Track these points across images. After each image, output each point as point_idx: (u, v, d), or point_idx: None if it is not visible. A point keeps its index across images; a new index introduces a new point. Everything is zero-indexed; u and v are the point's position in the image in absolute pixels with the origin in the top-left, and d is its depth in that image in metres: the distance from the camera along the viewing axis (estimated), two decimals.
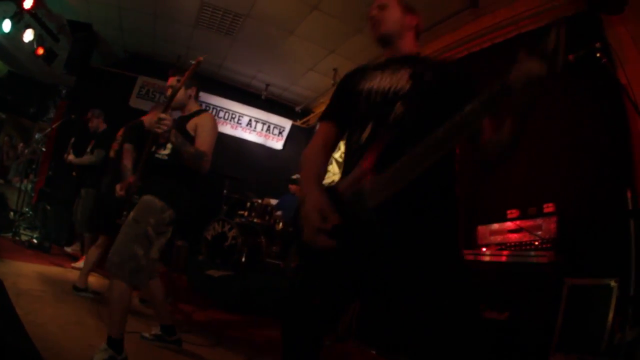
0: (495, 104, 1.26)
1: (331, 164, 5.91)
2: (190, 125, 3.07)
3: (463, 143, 1.51)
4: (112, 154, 5.12)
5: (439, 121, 1.35)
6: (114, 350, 2.51)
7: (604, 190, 3.50)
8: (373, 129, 1.63)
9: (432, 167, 1.36)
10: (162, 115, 2.63)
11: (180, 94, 3.09)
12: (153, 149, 3.04)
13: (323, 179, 1.77)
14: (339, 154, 7.37)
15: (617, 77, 2.57)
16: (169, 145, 3.00)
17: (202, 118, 3.13)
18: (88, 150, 6.18)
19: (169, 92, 3.13)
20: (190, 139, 2.97)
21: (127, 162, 4.07)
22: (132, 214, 2.82)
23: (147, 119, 4.52)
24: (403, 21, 1.84)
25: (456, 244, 1.64)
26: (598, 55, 2.36)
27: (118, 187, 3.53)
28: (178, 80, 3.08)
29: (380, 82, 1.73)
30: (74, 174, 6.35)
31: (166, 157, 3.02)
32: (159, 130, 2.61)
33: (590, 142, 3.73)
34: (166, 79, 3.30)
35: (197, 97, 3.33)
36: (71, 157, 6.18)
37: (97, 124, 6.35)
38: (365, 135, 1.65)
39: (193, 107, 3.25)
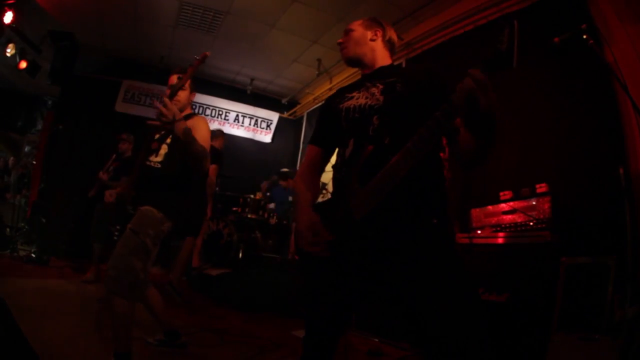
0: (445, 124, 1.41)
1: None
2: None
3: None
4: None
5: (415, 128, 1.46)
6: None
7: (596, 168, 3.52)
8: (355, 144, 1.74)
9: (414, 168, 1.47)
10: (167, 101, 2.44)
11: (184, 96, 2.99)
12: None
13: (314, 195, 1.94)
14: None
15: (604, 58, 2.58)
16: (162, 152, 2.84)
17: (195, 121, 2.92)
18: (110, 169, 5.90)
19: (168, 92, 2.90)
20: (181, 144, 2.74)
21: None
22: (129, 225, 2.65)
23: None
24: (366, 40, 1.97)
25: (447, 234, 1.76)
26: (585, 37, 2.36)
27: (107, 193, 3.07)
28: (179, 78, 2.86)
29: (357, 100, 1.82)
30: (93, 193, 5.99)
31: (159, 165, 2.82)
32: (163, 119, 2.43)
33: (581, 121, 3.73)
34: (150, 81, 3.10)
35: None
36: (105, 175, 5.75)
37: (127, 148, 6.08)
38: (348, 151, 1.76)
39: (186, 111, 3.04)
